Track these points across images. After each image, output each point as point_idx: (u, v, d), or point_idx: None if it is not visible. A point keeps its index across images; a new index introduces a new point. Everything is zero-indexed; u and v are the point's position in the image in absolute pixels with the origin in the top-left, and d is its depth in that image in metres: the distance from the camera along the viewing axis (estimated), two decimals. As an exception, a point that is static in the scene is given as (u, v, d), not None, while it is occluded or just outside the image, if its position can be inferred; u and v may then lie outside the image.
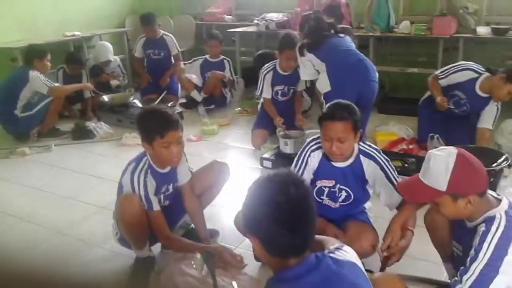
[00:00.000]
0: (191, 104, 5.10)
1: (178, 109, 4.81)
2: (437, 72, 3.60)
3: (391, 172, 2.18)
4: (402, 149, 3.69)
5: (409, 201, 1.90)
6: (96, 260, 2.49)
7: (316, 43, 3.43)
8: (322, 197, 2.31)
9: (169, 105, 4.61)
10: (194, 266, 2.10)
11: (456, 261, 1.77)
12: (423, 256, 2.25)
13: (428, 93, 3.82)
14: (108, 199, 2.73)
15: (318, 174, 2.28)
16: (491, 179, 2.81)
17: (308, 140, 2.33)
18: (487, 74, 3.34)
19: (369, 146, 2.23)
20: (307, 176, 2.27)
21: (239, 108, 5.04)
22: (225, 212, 2.85)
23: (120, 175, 2.28)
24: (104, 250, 2.55)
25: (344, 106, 2.10)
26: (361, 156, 2.20)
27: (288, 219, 1.18)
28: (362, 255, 1.64)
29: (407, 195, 1.79)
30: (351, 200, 2.28)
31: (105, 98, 4.76)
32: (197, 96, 5.04)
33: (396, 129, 4.03)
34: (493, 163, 2.87)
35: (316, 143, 2.27)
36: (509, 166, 2.87)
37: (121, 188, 2.24)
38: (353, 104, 2.14)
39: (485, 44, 4.75)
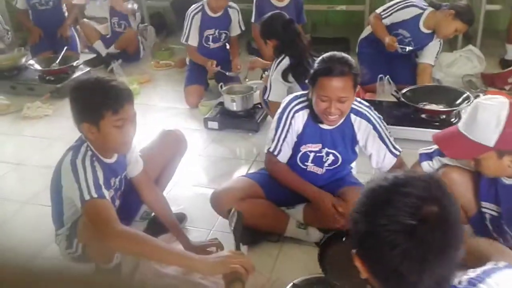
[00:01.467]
0: (97, 60, 4.39)
1: (84, 68, 4.07)
2: (379, 11, 3.39)
3: (383, 131, 1.96)
4: (347, 94, 3.52)
5: (449, 156, 1.67)
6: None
7: (304, 73, 2.46)
8: (306, 163, 2.05)
9: (74, 64, 3.88)
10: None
11: (492, 223, 1.63)
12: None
13: (366, 33, 3.64)
14: (28, 191, 2.18)
15: (303, 138, 1.98)
16: (455, 120, 2.76)
17: (288, 98, 2.00)
18: (430, 9, 3.22)
19: (360, 102, 1.97)
20: (291, 141, 1.98)
21: (154, 62, 4.44)
22: (186, 189, 2.46)
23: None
24: (43, 260, 2.00)
25: (342, 58, 1.77)
26: (352, 115, 1.93)
27: (419, 251, 0.82)
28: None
29: (447, 150, 1.58)
30: (338, 164, 2.04)
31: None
32: (102, 48, 4.34)
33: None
34: (455, 101, 2.82)
35: (299, 102, 1.95)
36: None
37: (58, 196, 1.73)
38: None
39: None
